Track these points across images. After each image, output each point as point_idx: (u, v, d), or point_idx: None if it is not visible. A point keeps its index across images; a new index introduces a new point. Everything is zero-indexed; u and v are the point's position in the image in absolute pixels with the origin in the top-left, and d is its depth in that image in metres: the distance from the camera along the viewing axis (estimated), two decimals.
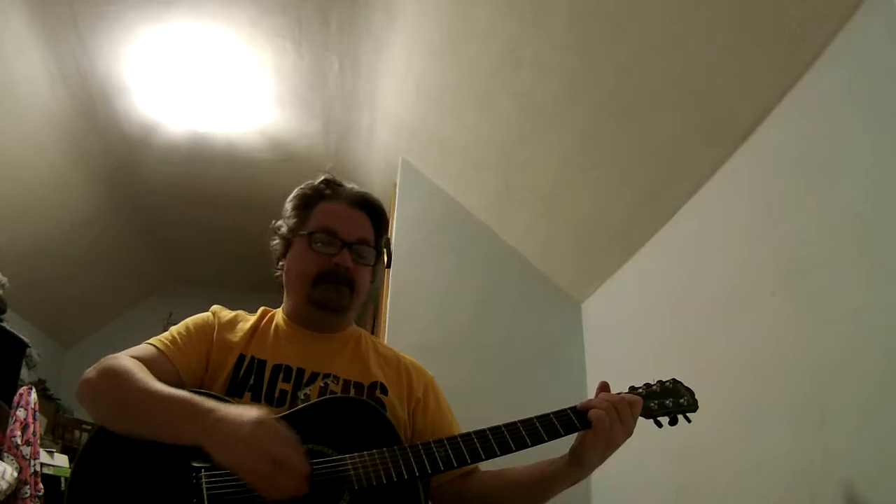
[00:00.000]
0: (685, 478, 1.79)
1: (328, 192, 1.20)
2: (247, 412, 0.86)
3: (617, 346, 2.41)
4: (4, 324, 3.44)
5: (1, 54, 2.76)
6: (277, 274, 1.22)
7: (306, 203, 1.19)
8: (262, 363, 1.08)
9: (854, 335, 1.25)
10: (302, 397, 1.04)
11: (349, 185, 1.23)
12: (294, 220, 1.19)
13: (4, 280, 3.48)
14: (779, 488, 1.41)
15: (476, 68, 2.34)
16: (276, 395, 1.04)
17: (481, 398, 2.35)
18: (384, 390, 1.11)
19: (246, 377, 1.05)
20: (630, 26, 1.72)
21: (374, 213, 1.21)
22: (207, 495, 0.85)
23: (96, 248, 4.54)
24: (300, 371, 1.08)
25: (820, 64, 1.42)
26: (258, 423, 0.84)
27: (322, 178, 1.23)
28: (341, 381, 1.09)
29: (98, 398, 0.94)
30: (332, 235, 1.14)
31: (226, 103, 3.28)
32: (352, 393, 1.08)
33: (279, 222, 1.22)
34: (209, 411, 0.87)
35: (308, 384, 1.06)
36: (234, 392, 1.03)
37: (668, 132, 1.85)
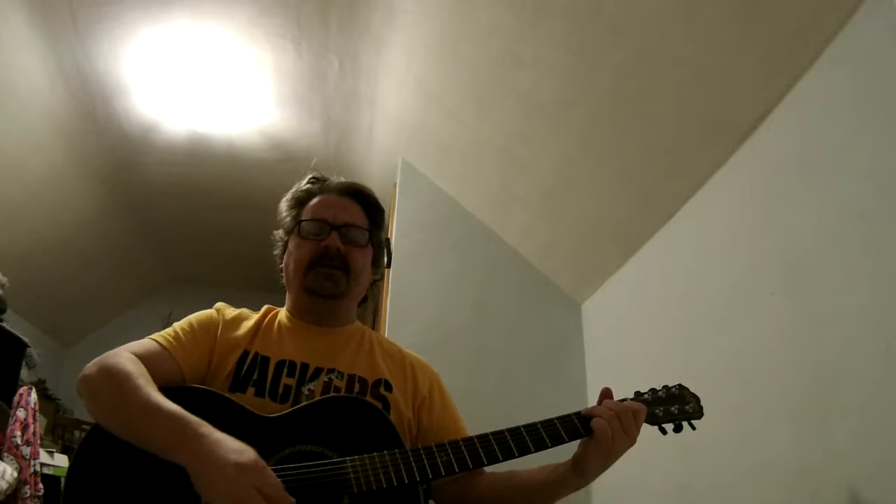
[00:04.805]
0: (686, 477, 1.79)
1: (316, 188, 1.23)
2: (235, 452, 0.81)
3: (617, 347, 2.41)
4: (4, 324, 3.43)
5: (1, 54, 2.76)
6: (281, 280, 1.23)
7: (298, 203, 1.22)
8: (266, 359, 1.07)
9: (854, 335, 1.25)
10: (306, 392, 1.04)
11: (337, 178, 1.25)
12: (288, 220, 1.22)
13: (4, 280, 3.47)
14: (780, 488, 1.40)
15: (476, 68, 2.34)
16: (280, 390, 1.04)
17: (481, 398, 2.35)
18: (388, 387, 1.10)
19: (249, 373, 1.05)
20: (630, 26, 1.72)
21: (364, 199, 1.22)
22: None
23: (96, 248, 4.54)
24: (304, 366, 1.08)
25: (820, 64, 1.41)
26: (241, 467, 0.79)
27: (309, 176, 1.25)
28: (345, 377, 1.08)
29: (95, 397, 0.93)
30: (320, 222, 1.15)
31: (226, 103, 3.28)
32: (356, 389, 1.07)
33: (277, 231, 1.24)
34: (199, 438, 0.83)
35: (312, 379, 1.06)
36: (237, 388, 1.03)
37: (668, 132, 1.85)
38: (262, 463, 0.81)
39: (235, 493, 0.77)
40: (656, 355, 2.06)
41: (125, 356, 0.96)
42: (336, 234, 1.14)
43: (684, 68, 1.68)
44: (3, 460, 2.61)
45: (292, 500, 0.80)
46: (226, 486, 0.78)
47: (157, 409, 0.87)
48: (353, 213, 1.19)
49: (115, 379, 0.91)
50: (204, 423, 0.85)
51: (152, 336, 1.04)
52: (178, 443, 0.83)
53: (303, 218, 1.18)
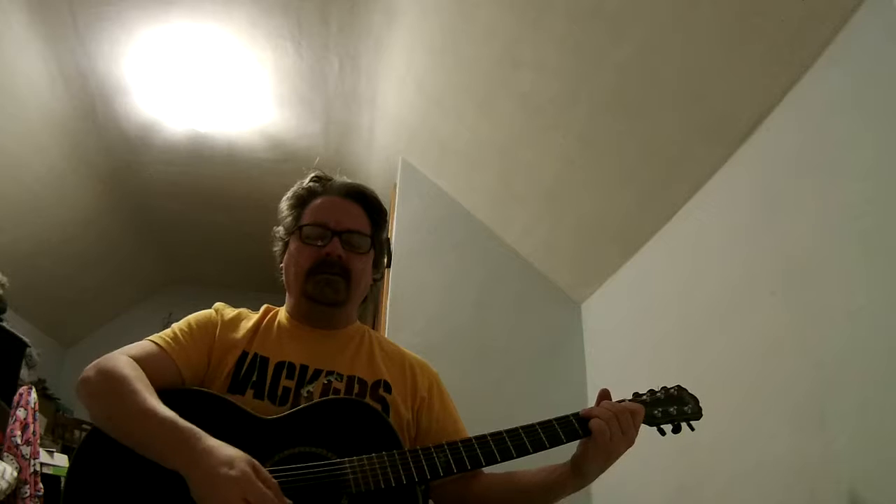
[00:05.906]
0: (686, 477, 1.79)
1: (319, 187, 1.21)
2: (226, 462, 0.80)
3: (617, 347, 2.41)
4: (4, 324, 3.43)
5: (1, 54, 2.76)
6: (281, 278, 1.22)
7: (300, 202, 1.20)
8: (265, 360, 1.07)
9: (854, 335, 1.25)
10: (305, 394, 1.04)
11: (340, 178, 1.24)
12: (289, 219, 1.20)
13: (4, 280, 3.47)
14: (779, 488, 1.40)
15: (476, 68, 2.34)
16: (279, 392, 1.03)
17: (481, 398, 2.35)
18: (388, 388, 1.10)
19: (248, 374, 1.05)
20: (630, 26, 1.72)
21: (367, 202, 1.21)
22: None
23: (96, 248, 4.54)
24: (303, 368, 1.07)
25: (820, 64, 1.42)
26: (230, 479, 0.78)
27: (312, 175, 1.23)
28: (345, 379, 1.08)
29: (94, 400, 0.93)
30: (322, 227, 1.14)
31: (226, 103, 3.28)
32: (355, 390, 1.07)
33: (278, 227, 1.23)
34: (191, 446, 0.83)
35: (311, 381, 1.06)
36: (235, 389, 1.03)
37: (668, 132, 1.85)
38: (252, 472, 0.80)
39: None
40: (656, 355, 2.06)
41: (123, 360, 0.95)
42: (337, 240, 1.13)
43: (684, 68, 1.68)
44: (3, 460, 2.61)
45: (288, 501, 0.80)
46: (217, 497, 0.78)
47: (152, 416, 0.86)
48: (355, 218, 1.17)
49: (111, 383, 0.91)
50: (197, 430, 0.85)
51: (150, 338, 1.04)
52: (172, 450, 0.84)
53: (304, 221, 1.16)
